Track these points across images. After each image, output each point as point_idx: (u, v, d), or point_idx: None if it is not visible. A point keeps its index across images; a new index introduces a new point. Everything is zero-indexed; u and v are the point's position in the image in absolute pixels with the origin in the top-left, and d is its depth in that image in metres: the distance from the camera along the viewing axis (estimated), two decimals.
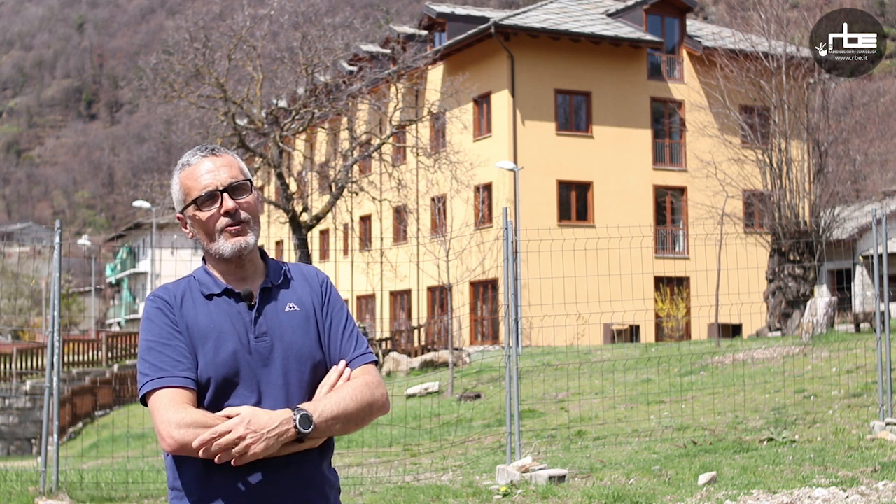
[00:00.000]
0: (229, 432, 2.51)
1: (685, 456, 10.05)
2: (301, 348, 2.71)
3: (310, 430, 2.57)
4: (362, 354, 2.78)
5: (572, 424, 13.73)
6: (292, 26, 31.12)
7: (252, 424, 2.53)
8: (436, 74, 34.48)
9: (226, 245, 2.71)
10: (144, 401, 2.65)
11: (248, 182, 2.77)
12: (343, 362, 2.74)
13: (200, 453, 2.53)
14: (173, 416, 2.55)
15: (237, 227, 2.71)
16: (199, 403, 2.62)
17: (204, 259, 2.82)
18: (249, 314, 2.71)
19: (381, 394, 2.73)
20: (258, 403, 2.62)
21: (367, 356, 2.79)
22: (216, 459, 2.53)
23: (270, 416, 2.55)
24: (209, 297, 2.72)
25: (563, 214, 33.24)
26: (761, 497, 7.72)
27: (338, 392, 2.67)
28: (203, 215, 2.71)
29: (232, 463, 2.53)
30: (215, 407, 2.62)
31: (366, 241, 37.75)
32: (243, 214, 2.72)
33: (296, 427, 2.55)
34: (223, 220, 2.71)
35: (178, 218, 2.81)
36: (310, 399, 2.68)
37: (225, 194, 2.71)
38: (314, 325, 2.76)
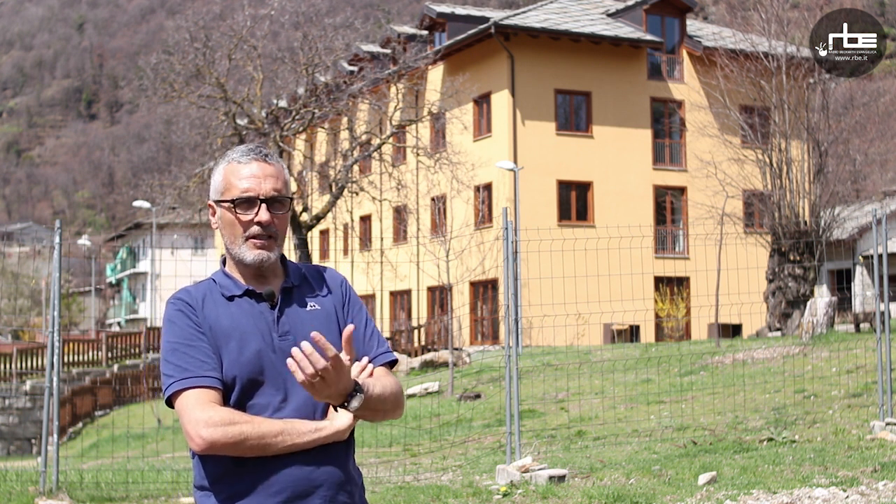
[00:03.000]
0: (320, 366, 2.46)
1: (685, 456, 10.05)
2: None
3: (356, 398, 2.55)
4: (384, 353, 2.81)
5: (572, 424, 13.73)
6: (293, 26, 31.12)
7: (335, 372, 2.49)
8: (436, 74, 34.49)
9: (248, 254, 2.73)
10: (170, 402, 2.65)
11: (289, 198, 2.79)
12: (366, 359, 2.74)
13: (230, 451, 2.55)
14: (201, 415, 2.56)
15: (264, 240, 2.73)
16: (225, 403, 2.63)
17: (223, 261, 2.83)
18: (272, 314, 2.72)
19: (403, 400, 2.79)
20: (284, 401, 2.64)
21: (388, 355, 2.81)
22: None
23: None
24: (230, 298, 2.73)
25: (563, 214, 33.24)
26: (761, 497, 7.72)
27: (380, 379, 2.69)
28: (237, 217, 2.73)
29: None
30: (241, 406, 2.63)
31: (366, 241, 37.75)
32: (274, 229, 2.74)
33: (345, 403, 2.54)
34: (254, 229, 2.72)
35: (209, 205, 2.82)
36: None
37: (263, 205, 2.72)
38: (335, 323, 2.78)
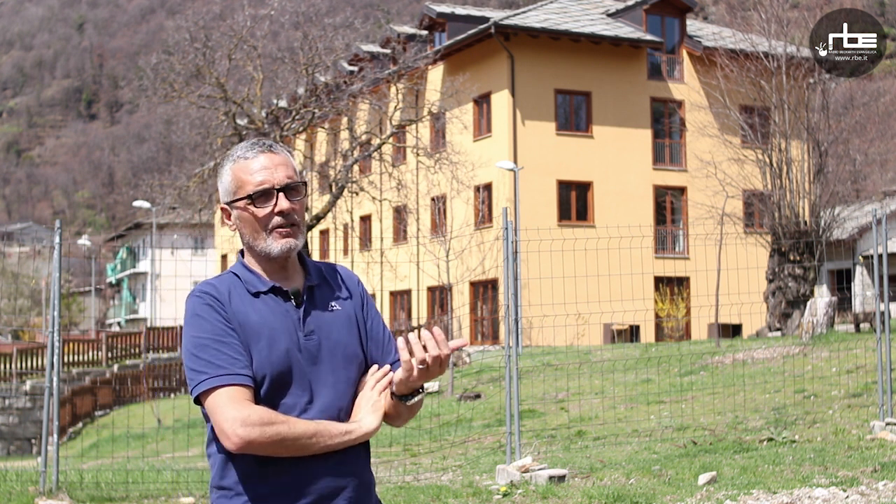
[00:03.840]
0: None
1: (685, 456, 10.05)
2: (347, 346, 2.72)
3: (419, 394, 2.72)
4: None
5: (572, 424, 13.73)
6: (293, 26, 31.10)
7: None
8: (436, 74, 34.49)
9: (275, 245, 2.69)
10: (198, 399, 2.62)
11: (303, 184, 2.77)
12: (387, 366, 2.76)
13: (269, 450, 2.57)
14: (237, 413, 2.52)
15: (289, 228, 2.70)
16: (255, 401, 2.61)
17: (241, 253, 2.80)
18: (297, 312, 2.70)
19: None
20: (310, 402, 2.63)
21: None
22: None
23: None
24: (256, 294, 2.70)
25: (563, 214, 33.24)
26: (761, 497, 7.72)
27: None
28: (257, 212, 2.69)
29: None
30: (268, 405, 2.60)
31: (366, 241, 37.76)
32: (295, 216, 2.71)
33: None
34: (276, 220, 2.69)
35: (222, 208, 2.78)
36: (356, 397, 2.72)
37: (281, 194, 2.69)
38: (356, 325, 2.77)
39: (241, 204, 2.71)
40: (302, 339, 2.66)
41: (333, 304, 2.76)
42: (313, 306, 2.72)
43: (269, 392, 2.62)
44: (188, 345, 2.64)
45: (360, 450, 2.68)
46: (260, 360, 2.61)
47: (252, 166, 2.71)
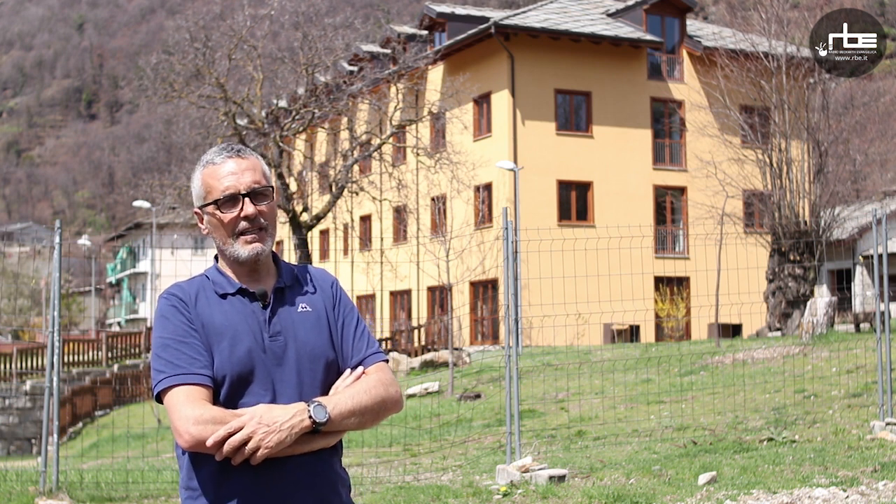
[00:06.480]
0: (241, 429, 2.53)
1: (685, 456, 10.05)
2: (314, 348, 2.73)
3: (325, 420, 2.58)
4: (374, 353, 2.81)
5: (572, 424, 13.73)
6: (293, 26, 31.12)
7: (265, 419, 2.55)
8: (436, 74, 34.48)
9: (242, 250, 2.73)
10: (159, 398, 2.65)
11: (270, 188, 2.79)
12: (360, 368, 2.76)
13: (216, 455, 2.54)
14: (191, 412, 2.56)
15: (255, 234, 2.73)
16: (214, 401, 2.63)
17: (216, 257, 2.84)
18: (263, 313, 2.73)
19: (395, 391, 2.76)
20: (272, 402, 2.64)
21: (379, 355, 2.82)
22: (232, 461, 2.54)
23: (284, 409, 2.58)
24: (223, 296, 2.74)
25: (563, 214, 33.24)
26: (761, 497, 7.72)
27: (353, 387, 2.70)
28: (222, 217, 2.73)
29: (251, 462, 2.54)
30: (230, 405, 2.63)
31: (366, 241, 37.76)
32: (262, 220, 2.74)
33: (310, 417, 2.58)
34: (242, 224, 2.73)
35: (195, 213, 2.83)
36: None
37: (246, 199, 2.73)
38: (326, 325, 2.78)
39: (209, 209, 2.76)
40: (267, 339, 2.69)
41: (303, 304, 2.78)
42: (281, 307, 2.75)
43: (230, 392, 2.65)
44: (153, 345, 2.70)
45: (323, 450, 2.68)
46: (221, 360, 2.65)
47: (219, 172, 2.75)
